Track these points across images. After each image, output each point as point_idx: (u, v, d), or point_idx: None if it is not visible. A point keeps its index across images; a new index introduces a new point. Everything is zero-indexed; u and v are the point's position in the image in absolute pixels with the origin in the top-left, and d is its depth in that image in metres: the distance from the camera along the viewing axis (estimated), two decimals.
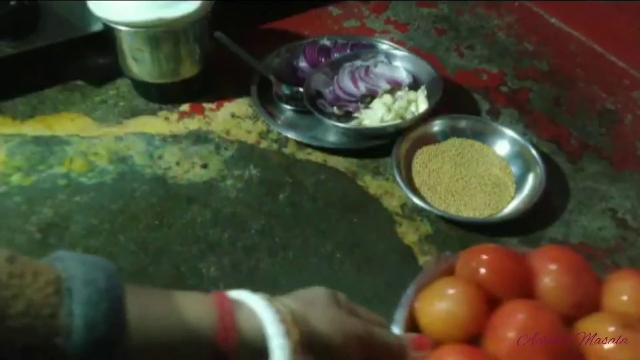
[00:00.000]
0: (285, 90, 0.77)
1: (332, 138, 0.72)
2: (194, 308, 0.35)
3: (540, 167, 0.65)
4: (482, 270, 0.48)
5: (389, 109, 0.71)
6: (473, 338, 0.46)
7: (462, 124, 0.71)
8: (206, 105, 0.76)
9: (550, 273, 0.48)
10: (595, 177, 0.69)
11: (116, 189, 0.65)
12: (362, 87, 0.74)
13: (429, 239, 0.62)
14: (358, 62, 0.78)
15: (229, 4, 0.80)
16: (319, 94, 0.75)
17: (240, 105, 0.77)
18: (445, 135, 0.71)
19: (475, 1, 0.98)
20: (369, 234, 0.62)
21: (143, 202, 0.64)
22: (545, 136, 0.74)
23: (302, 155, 0.70)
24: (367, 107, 0.74)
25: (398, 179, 0.64)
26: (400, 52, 0.79)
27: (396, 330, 0.47)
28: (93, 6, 0.68)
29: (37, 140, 0.70)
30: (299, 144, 0.71)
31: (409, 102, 0.73)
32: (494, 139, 0.70)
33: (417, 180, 0.66)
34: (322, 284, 0.57)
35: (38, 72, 0.79)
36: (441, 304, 0.47)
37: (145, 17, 0.67)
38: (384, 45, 0.83)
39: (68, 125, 0.72)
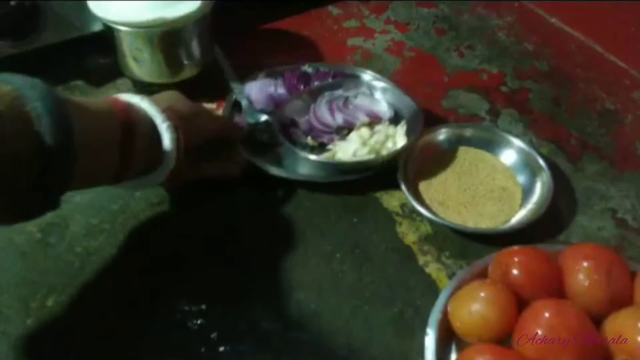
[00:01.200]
0: (249, 118, 0.72)
1: (302, 169, 0.68)
2: (101, 103, 0.52)
3: (547, 175, 0.64)
4: (514, 272, 0.50)
5: (364, 144, 0.67)
6: (504, 339, 0.47)
7: (468, 132, 0.71)
8: (206, 105, 0.76)
9: (580, 272, 0.49)
10: (595, 177, 0.69)
11: (116, 189, 0.65)
12: (339, 118, 0.70)
13: (429, 239, 0.62)
14: (339, 92, 0.73)
15: (229, 4, 0.80)
16: (293, 123, 0.70)
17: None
18: (451, 143, 0.70)
19: (475, 1, 0.98)
20: (369, 234, 0.62)
21: (143, 202, 0.64)
22: (545, 136, 0.74)
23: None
24: (343, 139, 0.69)
25: (411, 200, 0.62)
26: (382, 84, 0.74)
27: (431, 333, 0.50)
28: (93, 6, 0.68)
29: None
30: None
31: (387, 137, 0.68)
32: (501, 147, 0.69)
33: (425, 196, 0.65)
34: (322, 283, 0.57)
35: (38, 72, 0.78)
36: (473, 307, 0.48)
37: (145, 17, 0.67)
38: (367, 76, 0.78)
39: None
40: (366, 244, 0.61)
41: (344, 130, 0.70)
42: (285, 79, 0.75)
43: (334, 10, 0.95)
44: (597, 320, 0.47)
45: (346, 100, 0.72)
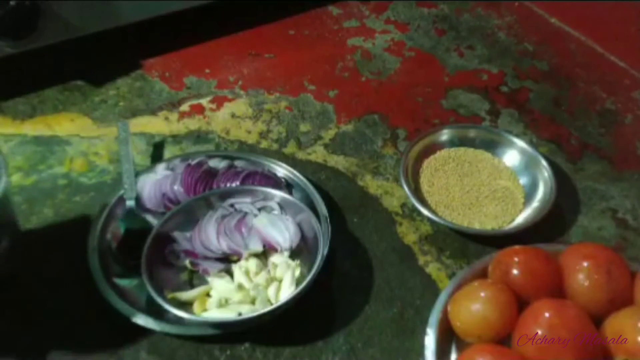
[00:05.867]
0: (121, 227, 0.59)
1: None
2: None
3: (549, 176, 0.64)
4: (514, 272, 0.50)
5: (240, 287, 0.53)
6: (504, 338, 0.48)
7: (470, 133, 0.71)
8: (206, 105, 0.76)
9: (580, 272, 0.49)
10: (595, 177, 0.69)
11: (116, 189, 0.65)
12: (224, 244, 0.56)
13: (429, 239, 0.62)
14: (245, 201, 0.59)
15: (231, 3, 0.80)
16: (172, 239, 0.57)
17: (240, 105, 0.77)
18: (453, 144, 0.70)
19: (475, 1, 0.98)
20: (369, 234, 0.62)
21: None
22: (545, 136, 0.74)
23: (302, 155, 0.70)
24: (227, 269, 0.56)
25: (414, 201, 0.62)
26: (294, 202, 0.59)
27: (431, 332, 0.49)
28: None
29: (37, 140, 0.70)
30: (300, 145, 0.72)
31: (271, 281, 0.54)
32: (502, 148, 0.69)
33: (429, 198, 0.65)
34: (321, 283, 0.57)
35: (38, 72, 0.79)
36: (473, 307, 0.48)
37: None
38: (282, 172, 0.64)
39: (68, 125, 0.73)
40: (366, 244, 0.61)
41: (233, 257, 0.57)
42: (184, 175, 0.61)
43: (334, 10, 0.95)
44: (597, 320, 0.47)
45: (243, 218, 0.58)
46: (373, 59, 0.86)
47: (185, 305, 0.53)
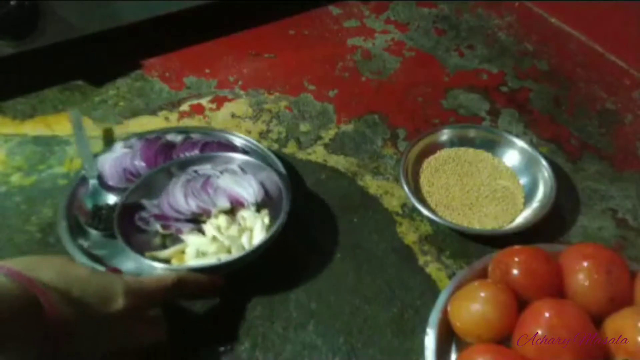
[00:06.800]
0: (88, 203, 0.61)
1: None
2: None
3: (549, 176, 0.64)
4: (514, 272, 0.50)
5: (214, 239, 0.56)
6: (504, 338, 0.48)
7: (471, 133, 0.71)
8: (206, 105, 0.76)
9: (580, 272, 0.49)
10: (595, 177, 0.69)
11: None
12: (192, 205, 0.59)
13: (429, 239, 0.62)
14: (206, 167, 0.61)
15: (231, 3, 0.80)
16: (140, 206, 0.59)
17: (240, 105, 0.77)
18: (453, 144, 0.70)
19: (475, 1, 0.98)
20: (369, 234, 0.62)
21: None
22: (545, 136, 0.74)
23: (302, 155, 0.70)
24: (198, 227, 0.59)
25: (414, 201, 0.62)
26: (252, 160, 0.61)
27: (431, 332, 0.50)
28: None
29: (37, 140, 0.70)
30: (300, 145, 0.71)
31: (243, 231, 0.57)
32: (503, 148, 0.69)
33: (429, 198, 0.65)
34: (322, 283, 0.57)
35: (38, 72, 0.79)
36: (473, 307, 0.49)
37: None
38: (240, 142, 0.66)
39: (68, 125, 0.72)
40: (366, 244, 0.61)
41: (202, 216, 0.59)
42: (142, 150, 0.63)
43: (334, 10, 0.95)
44: (597, 320, 0.47)
45: (207, 180, 0.60)
46: (373, 59, 0.86)
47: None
